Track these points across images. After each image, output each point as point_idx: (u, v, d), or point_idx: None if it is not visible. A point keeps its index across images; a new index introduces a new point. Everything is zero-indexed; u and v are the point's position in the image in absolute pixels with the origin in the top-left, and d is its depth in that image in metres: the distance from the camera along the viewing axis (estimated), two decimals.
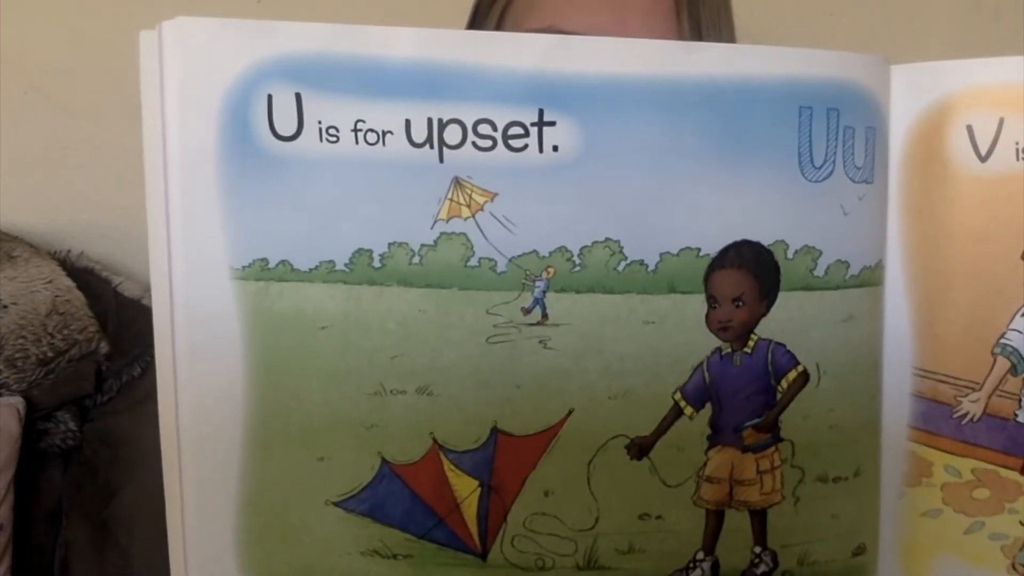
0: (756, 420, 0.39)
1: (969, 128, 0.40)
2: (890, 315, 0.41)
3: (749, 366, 0.38)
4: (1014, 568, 0.41)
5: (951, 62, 0.40)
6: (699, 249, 0.37)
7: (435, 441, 0.38)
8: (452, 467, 0.38)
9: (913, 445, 0.41)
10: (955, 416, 0.41)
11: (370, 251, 0.37)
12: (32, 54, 0.88)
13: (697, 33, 0.58)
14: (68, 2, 0.88)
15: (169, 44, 0.36)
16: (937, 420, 0.41)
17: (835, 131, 0.38)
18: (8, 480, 0.62)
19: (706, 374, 0.38)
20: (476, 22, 0.64)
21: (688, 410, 0.38)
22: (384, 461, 0.38)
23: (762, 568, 0.39)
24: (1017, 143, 0.40)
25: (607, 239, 0.37)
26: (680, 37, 0.57)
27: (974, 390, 0.41)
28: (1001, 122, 0.40)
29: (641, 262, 0.37)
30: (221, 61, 0.36)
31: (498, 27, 0.61)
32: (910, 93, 0.40)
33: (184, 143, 0.36)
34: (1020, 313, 0.40)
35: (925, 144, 0.40)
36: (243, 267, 0.37)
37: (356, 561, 0.39)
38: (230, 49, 0.36)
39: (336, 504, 0.38)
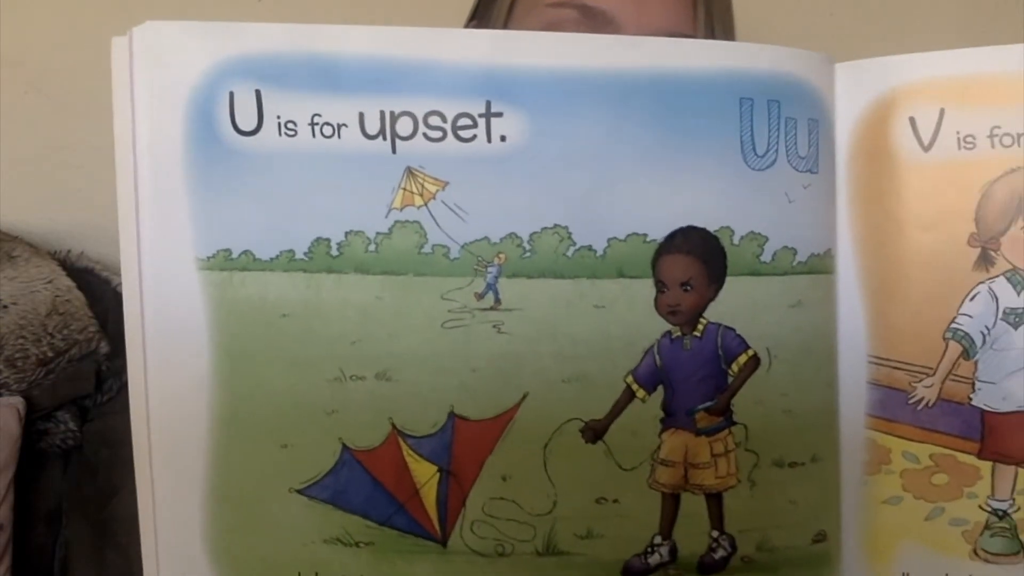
0: (708, 403, 0.39)
1: (912, 120, 0.41)
2: (843, 304, 0.42)
3: (699, 350, 0.39)
4: (975, 553, 0.41)
5: (893, 57, 0.42)
6: (646, 235, 0.38)
7: (394, 427, 0.39)
8: (411, 452, 0.39)
9: (871, 433, 0.42)
10: (911, 402, 0.41)
11: (328, 240, 0.38)
12: (32, 54, 0.88)
13: (710, 25, 0.60)
14: (68, 2, 0.89)
15: (139, 47, 0.38)
16: (893, 407, 0.41)
17: (776, 121, 0.39)
18: (8, 480, 0.63)
19: (657, 357, 0.39)
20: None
21: (640, 393, 0.39)
22: (345, 447, 0.39)
23: (720, 553, 0.40)
24: (958, 132, 0.41)
25: (556, 225, 0.38)
26: (694, 26, 0.59)
27: (928, 375, 0.41)
28: (942, 113, 0.41)
29: (590, 247, 0.38)
30: (187, 62, 0.38)
31: (512, 7, 0.64)
32: (855, 88, 0.41)
33: (153, 139, 0.38)
34: (969, 298, 0.41)
35: (871, 136, 0.41)
36: (208, 257, 0.38)
37: (320, 549, 0.39)
38: (195, 50, 0.38)
39: (299, 492, 0.39)
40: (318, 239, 0.38)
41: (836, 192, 0.42)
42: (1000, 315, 0.41)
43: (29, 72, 0.88)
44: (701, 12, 0.60)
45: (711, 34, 0.62)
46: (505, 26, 0.63)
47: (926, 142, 0.41)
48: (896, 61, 0.41)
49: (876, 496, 0.42)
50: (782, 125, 0.39)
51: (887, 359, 0.42)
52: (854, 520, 0.42)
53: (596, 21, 0.58)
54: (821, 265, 0.41)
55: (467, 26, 0.70)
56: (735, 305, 0.39)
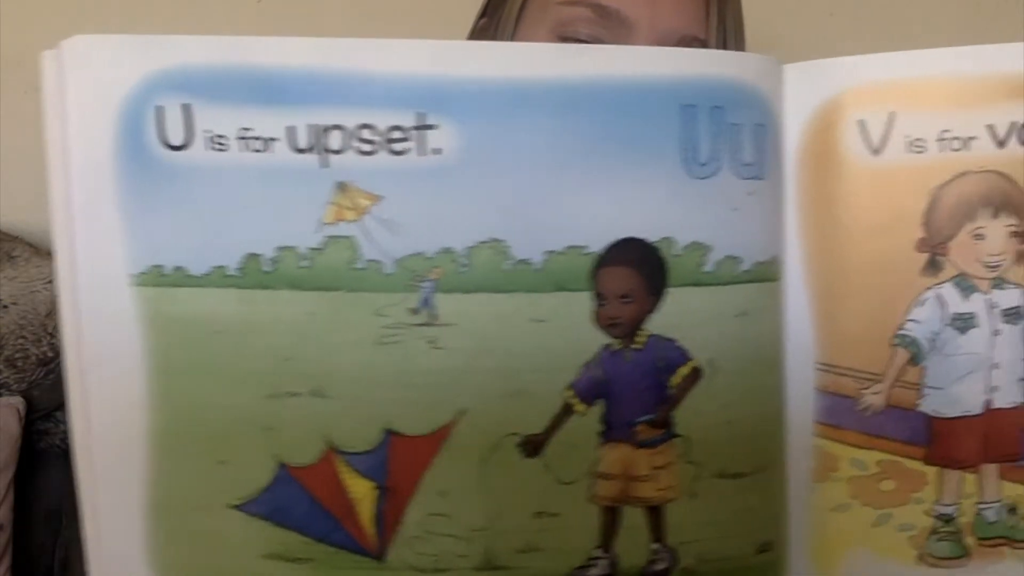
0: (649, 416, 0.39)
1: (861, 123, 0.40)
2: (791, 310, 0.41)
3: (640, 362, 0.39)
4: (922, 558, 0.41)
5: (842, 59, 0.41)
6: (585, 247, 0.38)
7: (329, 443, 0.38)
8: (347, 469, 0.38)
9: (819, 440, 0.41)
10: (859, 409, 0.41)
11: (260, 256, 0.38)
12: (32, 54, 0.89)
13: (722, 28, 0.59)
14: (68, 3, 0.89)
15: (69, 61, 0.37)
16: (841, 414, 0.41)
17: (720, 129, 0.38)
18: (8, 480, 0.63)
19: (596, 371, 0.38)
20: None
21: (580, 407, 0.38)
22: (281, 464, 0.38)
23: (661, 565, 0.39)
24: (907, 136, 0.40)
25: (493, 239, 0.38)
26: (706, 28, 0.59)
27: (876, 382, 0.41)
28: (891, 116, 0.40)
29: (527, 261, 0.38)
30: (116, 76, 0.37)
31: (524, 6, 0.63)
32: (803, 91, 0.40)
33: (84, 154, 0.37)
34: (917, 303, 0.40)
35: (819, 140, 0.41)
36: (140, 273, 0.38)
37: (260, 564, 0.39)
38: (124, 64, 0.37)
39: (237, 507, 0.39)
40: (250, 255, 0.38)
41: (784, 197, 0.41)
42: (947, 320, 0.40)
43: (29, 72, 0.88)
44: (714, 15, 0.59)
45: (723, 36, 0.61)
46: (516, 25, 0.63)
47: (875, 145, 0.40)
48: (845, 63, 0.40)
49: (824, 503, 0.41)
50: (726, 132, 0.39)
51: (835, 366, 0.41)
52: (802, 528, 0.42)
53: (609, 20, 0.57)
54: (767, 273, 0.40)
55: (477, 25, 0.70)
56: (677, 316, 0.39)
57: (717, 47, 0.60)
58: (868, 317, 0.41)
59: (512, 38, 0.63)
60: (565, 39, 0.60)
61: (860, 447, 0.41)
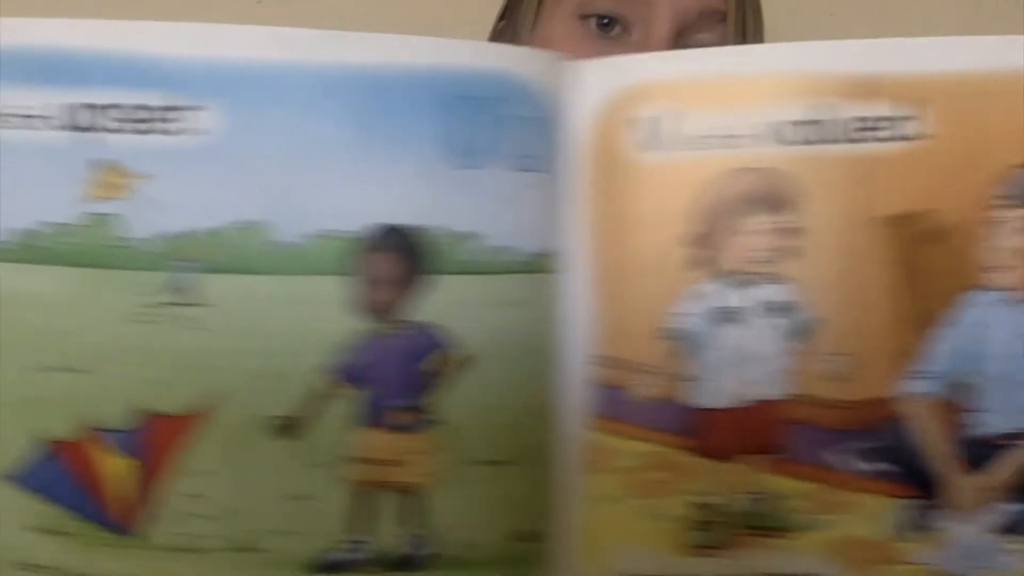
0: (407, 402, 0.39)
1: (638, 120, 0.40)
2: (571, 303, 0.42)
3: (400, 348, 0.39)
4: (688, 548, 0.41)
5: (624, 57, 0.41)
6: (346, 232, 0.38)
7: (86, 419, 0.38)
8: (102, 446, 0.38)
9: (593, 432, 0.42)
10: (630, 401, 0.41)
11: (22, 230, 0.37)
12: None
13: (742, 5, 0.61)
14: (68, 3, 0.88)
15: None
16: (612, 405, 0.41)
17: (487, 121, 0.38)
18: None
19: (353, 354, 0.38)
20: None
21: (338, 390, 0.38)
22: (39, 438, 0.38)
23: (417, 550, 0.40)
24: (684, 133, 0.40)
25: (254, 221, 0.38)
26: (726, 2, 0.60)
27: (647, 373, 0.41)
28: (665, 113, 0.40)
29: (288, 244, 0.38)
30: None
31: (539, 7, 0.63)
32: (587, 87, 0.41)
33: None
34: (687, 297, 0.41)
35: (601, 136, 0.41)
36: None
37: (20, 536, 0.39)
38: None
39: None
40: (11, 229, 0.37)
41: (565, 191, 0.41)
42: (713, 314, 0.41)
43: None
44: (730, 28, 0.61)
45: (742, 11, 0.62)
46: (535, 18, 0.63)
47: (651, 142, 0.40)
48: (626, 60, 0.41)
49: (595, 494, 0.42)
50: (496, 124, 0.39)
51: (610, 358, 0.42)
52: (573, 519, 0.42)
53: None
54: (541, 264, 0.40)
55: (496, 26, 0.69)
56: (440, 303, 0.39)
57: (736, 22, 0.61)
58: (640, 310, 0.41)
59: (532, 31, 0.64)
60: (585, 17, 0.61)
61: (631, 439, 0.42)
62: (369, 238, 0.38)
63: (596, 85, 0.40)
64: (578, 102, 0.41)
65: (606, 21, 0.62)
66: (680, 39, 0.62)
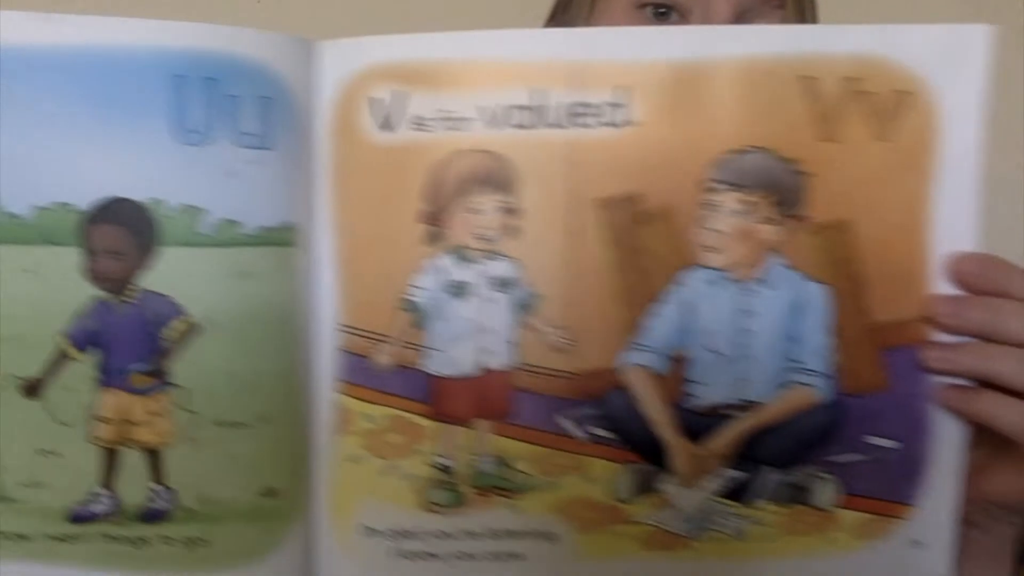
0: (142, 366, 0.41)
1: (373, 100, 0.41)
2: (320, 274, 0.43)
3: (132, 315, 0.41)
4: (425, 505, 0.44)
5: (363, 39, 0.42)
6: (73, 204, 0.39)
7: None
8: None
9: (339, 395, 0.44)
10: (370, 367, 0.43)
11: None
12: None
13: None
14: (67, 3, 0.86)
15: None
16: (357, 371, 0.43)
17: (214, 99, 0.40)
18: None
19: (89, 320, 0.40)
20: None
21: (74, 353, 0.40)
22: None
23: (160, 504, 0.42)
24: (412, 114, 0.41)
25: None
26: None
27: (386, 342, 0.43)
28: (398, 95, 0.41)
29: (16, 215, 0.39)
30: None
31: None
32: (330, 68, 0.42)
33: None
34: (420, 271, 0.42)
35: (341, 115, 0.42)
36: None
37: None
38: None
39: None
40: None
41: (304, 168, 0.42)
42: (446, 287, 0.43)
43: None
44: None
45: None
46: (591, 10, 0.62)
47: (385, 123, 0.42)
48: (364, 43, 0.42)
49: (341, 454, 0.44)
50: (221, 103, 0.40)
51: (352, 327, 0.43)
52: (323, 477, 0.45)
53: None
54: (275, 238, 0.42)
55: (547, 27, 0.68)
56: (171, 274, 0.41)
57: (796, 8, 0.60)
58: (378, 283, 0.43)
59: (587, 23, 0.63)
60: (642, 6, 0.60)
61: (372, 403, 0.44)
62: (96, 211, 0.39)
63: (333, 66, 0.41)
64: (325, 81, 0.42)
65: (663, 10, 0.60)
66: (740, 24, 0.60)
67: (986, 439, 0.43)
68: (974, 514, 0.44)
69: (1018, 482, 0.43)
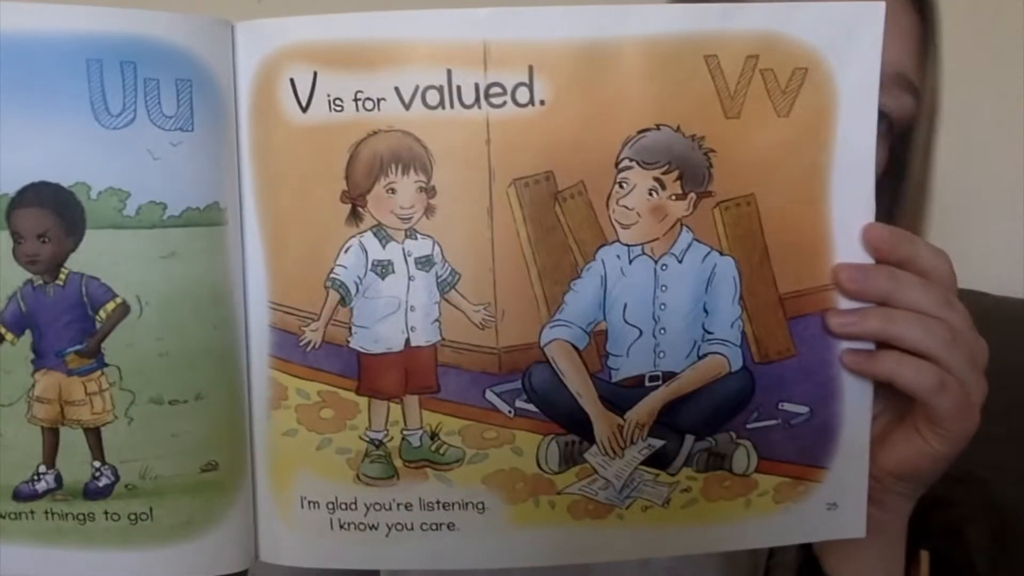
0: (78, 347, 0.42)
1: (292, 81, 0.43)
2: (249, 253, 0.45)
3: (63, 297, 0.42)
4: (359, 478, 0.45)
5: (279, 19, 0.43)
6: (0, 190, 0.40)
7: None
8: None
9: (273, 372, 0.45)
10: (301, 344, 0.45)
11: None
12: None
13: (933, 66, 0.56)
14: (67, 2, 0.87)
15: None
16: (288, 348, 0.45)
17: (132, 82, 0.41)
18: None
19: (21, 304, 0.42)
20: None
21: (8, 336, 0.42)
22: None
23: (104, 481, 0.43)
24: (329, 95, 0.42)
25: None
26: (922, 69, 0.56)
27: (314, 320, 0.44)
28: (315, 75, 0.42)
29: None
30: None
31: None
32: (249, 48, 0.43)
33: None
34: (343, 250, 0.44)
35: (261, 96, 0.43)
36: None
37: None
38: None
39: None
40: None
41: (227, 149, 0.44)
42: (370, 266, 0.44)
43: None
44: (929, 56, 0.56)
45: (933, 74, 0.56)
46: None
47: (304, 103, 0.43)
48: (283, 22, 0.42)
49: (277, 429, 0.46)
50: (140, 85, 0.41)
51: (282, 305, 0.45)
52: (262, 451, 0.46)
53: None
54: (201, 218, 0.43)
55: None
56: (99, 256, 0.42)
57: (926, 127, 0.57)
58: (305, 262, 0.44)
59: None
60: None
61: (304, 379, 0.45)
62: (21, 195, 0.40)
63: (252, 47, 0.42)
64: (245, 62, 0.43)
65: None
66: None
67: (884, 410, 0.45)
68: (873, 489, 0.46)
69: (914, 450, 0.44)
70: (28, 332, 0.42)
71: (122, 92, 0.41)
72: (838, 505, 0.46)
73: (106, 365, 0.43)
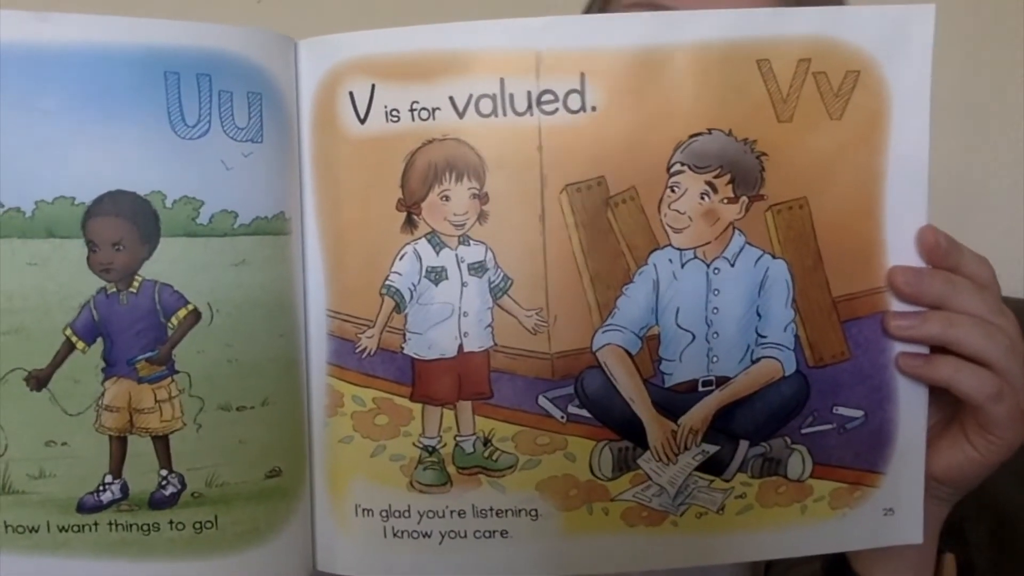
0: (149, 354, 0.44)
1: (351, 94, 0.44)
2: (310, 262, 0.46)
3: (136, 305, 0.43)
4: (412, 485, 0.46)
5: (341, 35, 0.45)
6: (74, 198, 0.42)
7: None
8: None
9: (330, 379, 0.46)
10: (357, 351, 0.46)
11: None
12: None
13: None
14: (67, 3, 0.91)
15: None
16: (345, 355, 0.46)
17: (208, 94, 0.43)
18: None
19: (94, 311, 0.43)
20: None
21: (80, 344, 0.43)
22: None
23: (170, 489, 0.44)
24: (386, 106, 0.44)
25: None
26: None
27: (369, 327, 0.46)
28: (373, 88, 0.44)
29: (18, 209, 0.42)
30: None
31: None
32: (312, 63, 0.45)
33: None
34: (398, 257, 0.45)
35: (322, 109, 0.45)
36: None
37: None
38: None
39: None
40: None
41: (291, 160, 0.45)
42: (424, 273, 0.45)
43: None
44: None
45: None
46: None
47: (362, 115, 0.44)
48: (342, 38, 0.44)
49: (334, 435, 0.47)
50: (215, 98, 0.43)
51: (340, 312, 0.46)
52: (320, 458, 0.47)
53: None
54: (269, 227, 0.44)
55: None
56: (172, 264, 0.43)
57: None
58: (361, 269, 0.45)
59: None
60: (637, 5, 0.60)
61: (359, 385, 0.46)
62: (98, 204, 0.42)
63: (313, 62, 0.44)
64: (308, 76, 0.45)
65: None
66: None
67: (931, 413, 0.45)
68: None
69: (961, 456, 0.44)
70: (99, 340, 0.44)
71: (198, 104, 0.42)
72: (895, 511, 0.45)
73: (176, 372, 0.44)
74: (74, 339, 0.43)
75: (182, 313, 0.44)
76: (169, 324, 0.44)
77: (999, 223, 0.99)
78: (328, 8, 0.90)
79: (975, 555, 0.58)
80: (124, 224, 0.43)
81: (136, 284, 0.43)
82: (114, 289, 0.43)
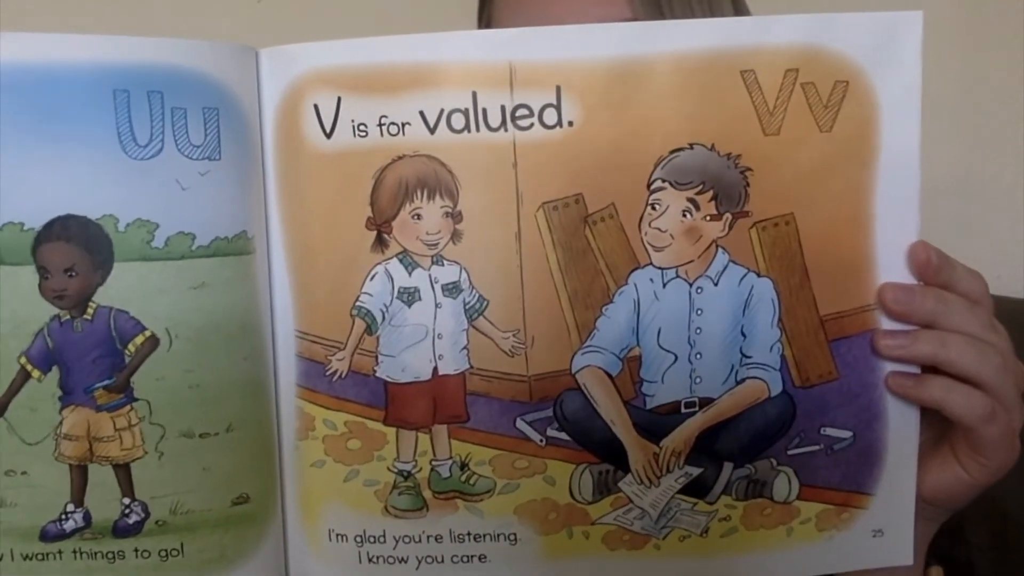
0: (106, 382, 0.42)
1: (316, 107, 0.42)
2: (275, 282, 0.44)
3: (91, 332, 0.41)
4: (387, 510, 0.45)
5: (302, 45, 0.42)
6: (23, 223, 0.40)
7: None
8: None
9: (300, 402, 0.45)
10: (327, 374, 0.44)
11: None
12: None
13: (657, 10, 0.54)
14: (67, 3, 0.89)
15: None
16: (315, 378, 0.44)
17: (159, 112, 0.40)
18: None
19: (48, 339, 0.41)
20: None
21: (35, 373, 0.41)
22: None
23: (133, 518, 0.43)
24: (353, 120, 0.42)
25: None
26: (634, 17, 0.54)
27: (340, 349, 0.44)
28: (339, 101, 0.42)
29: None
30: None
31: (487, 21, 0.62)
32: (273, 76, 0.42)
33: None
34: (369, 277, 0.43)
35: (285, 123, 0.43)
36: None
37: None
38: None
39: None
40: None
41: (252, 178, 0.43)
42: (396, 294, 0.43)
43: None
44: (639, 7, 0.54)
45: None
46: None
47: (328, 129, 0.42)
48: (304, 48, 0.42)
49: (305, 460, 0.45)
50: (168, 115, 0.41)
51: (308, 333, 0.44)
52: (291, 483, 0.45)
53: None
54: (230, 247, 0.42)
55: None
56: (127, 289, 0.41)
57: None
58: (331, 289, 0.43)
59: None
60: None
61: (331, 409, 0.44)
62: (47, 229, 0.40)
63: (275, 74, 0.42)
64: (270, 88, 0.43)
65: None
66: None
67: (921, 432, 0.43)
68: None
69: (951, 477, 0.43)
70: (55, 369, 0.42)
71: (149, 122, 0.40)
72: (884, 532, 0.44)
73: (136, 399, 0.42)
74: (29, 367, 0.41)
75: (139, 339, 0.42)
76: (126, 351, 0.42)
77: (999, 223, 0.98)
78: (328, 7, 0.88)
79: (976, 556, 0.57)
80: (76, 250, 0.41)
81: (91, 311, 0.41)
82: (68, 316, 0.41)
